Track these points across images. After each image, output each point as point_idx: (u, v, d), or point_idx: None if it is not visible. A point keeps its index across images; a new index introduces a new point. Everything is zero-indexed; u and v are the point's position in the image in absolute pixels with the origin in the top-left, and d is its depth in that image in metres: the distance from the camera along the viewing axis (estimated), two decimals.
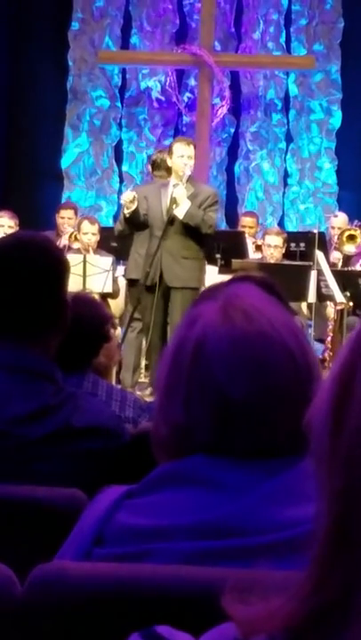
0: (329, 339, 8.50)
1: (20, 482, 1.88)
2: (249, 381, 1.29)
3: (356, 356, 0.80)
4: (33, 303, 2.09)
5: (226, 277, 1.54)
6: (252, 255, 9.21)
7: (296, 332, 1.35)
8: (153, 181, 8.17)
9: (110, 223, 10.97)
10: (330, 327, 8.60)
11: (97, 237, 8.66)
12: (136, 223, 7.53)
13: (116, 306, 8.45)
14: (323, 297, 8.20)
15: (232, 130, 11.87)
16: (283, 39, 11.86)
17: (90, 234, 8.67)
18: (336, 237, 9.41)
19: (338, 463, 0.78)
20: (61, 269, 2.18)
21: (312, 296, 7.99)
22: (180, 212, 7.29)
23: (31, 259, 2.10)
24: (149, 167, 8.47)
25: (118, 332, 7.10)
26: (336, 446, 0.79)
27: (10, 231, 7.74)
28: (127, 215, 7.49)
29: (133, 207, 7.42)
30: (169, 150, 7.65)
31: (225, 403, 1.29)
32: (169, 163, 7.58)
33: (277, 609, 0.75)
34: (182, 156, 7.41)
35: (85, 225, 8.77)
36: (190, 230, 7.33)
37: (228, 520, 1.26)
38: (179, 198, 7.28)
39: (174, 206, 7.27)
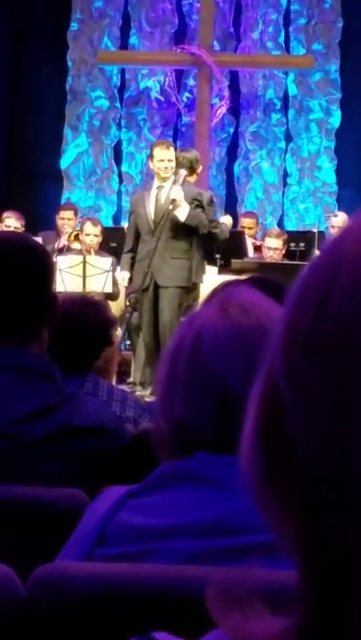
0: None
1: (23, 482, 1.88)
2: (247, 370, 1.30)
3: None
4: (24, 302, 2.09)
5: (225, 278, 1.56)
6: (252, 256, 9.20)
7: None
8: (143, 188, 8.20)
9: (110, 223, 10.98)
10: None
11: (99, 239, 8.65)
12: None
13: (117, 307, 8.45)
14: None
15: (231, 130, 11.87)
16: (282, 39, 11.86)
17: (92, 235, 8.66)
18: None
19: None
20: (47, 265, 2.19)
21: None
22: (181, 214, 7.21)
23: (16, 258, 2.10)
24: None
25: (119, 332, 7.09)
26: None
27: None
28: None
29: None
30: (150, 154, 7.66)
31: (224, 393, 1.30)
32: (151, 166, 7.62)
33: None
34: (162, 160, 7.40)
35: (88, 226, 8.76)
36: (179, 231, 7.27)
37: (231, 519, 1.26)
38: (179, 200, 7.20)
39: (171, 207, 7.21)
